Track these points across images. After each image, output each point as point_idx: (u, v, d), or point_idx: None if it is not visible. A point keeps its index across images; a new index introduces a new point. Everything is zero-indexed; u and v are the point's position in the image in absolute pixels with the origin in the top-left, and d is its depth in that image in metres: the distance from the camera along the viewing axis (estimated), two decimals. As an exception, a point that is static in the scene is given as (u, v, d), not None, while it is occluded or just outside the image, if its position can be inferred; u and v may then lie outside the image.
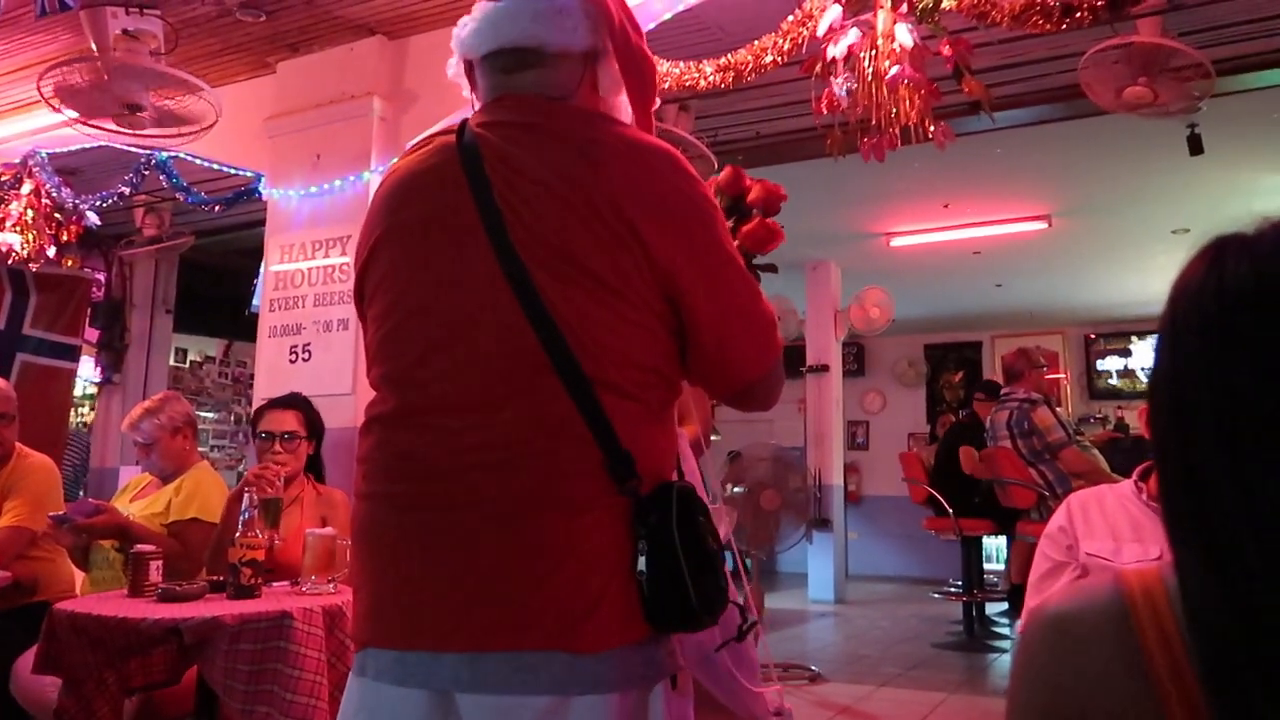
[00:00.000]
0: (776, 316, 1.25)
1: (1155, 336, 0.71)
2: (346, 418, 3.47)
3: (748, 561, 5.46)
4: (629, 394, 1.13)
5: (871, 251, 7.84)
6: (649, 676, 1.11)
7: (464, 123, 1.24)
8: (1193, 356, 0.64)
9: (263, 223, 4.59)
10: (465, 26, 1.28)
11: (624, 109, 1.31)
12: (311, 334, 3.74)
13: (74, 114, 3.23)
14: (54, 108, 3.32)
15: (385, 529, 1.15)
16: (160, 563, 2.30)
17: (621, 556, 1.09)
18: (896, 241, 7.53)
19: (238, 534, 2.26)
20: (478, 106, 1.29)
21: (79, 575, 3.21)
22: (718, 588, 1.12)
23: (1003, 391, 5.77)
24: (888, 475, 10.58)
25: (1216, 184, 5.94)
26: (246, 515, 2.30)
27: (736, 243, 1.69)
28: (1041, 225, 6.97)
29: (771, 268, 1.62)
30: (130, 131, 3.36)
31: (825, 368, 8.36)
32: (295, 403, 3.02)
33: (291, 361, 3.78)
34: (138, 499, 3.21)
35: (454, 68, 1.33)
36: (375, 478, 1.18)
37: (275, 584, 2.41)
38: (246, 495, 2.32)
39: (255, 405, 3.47)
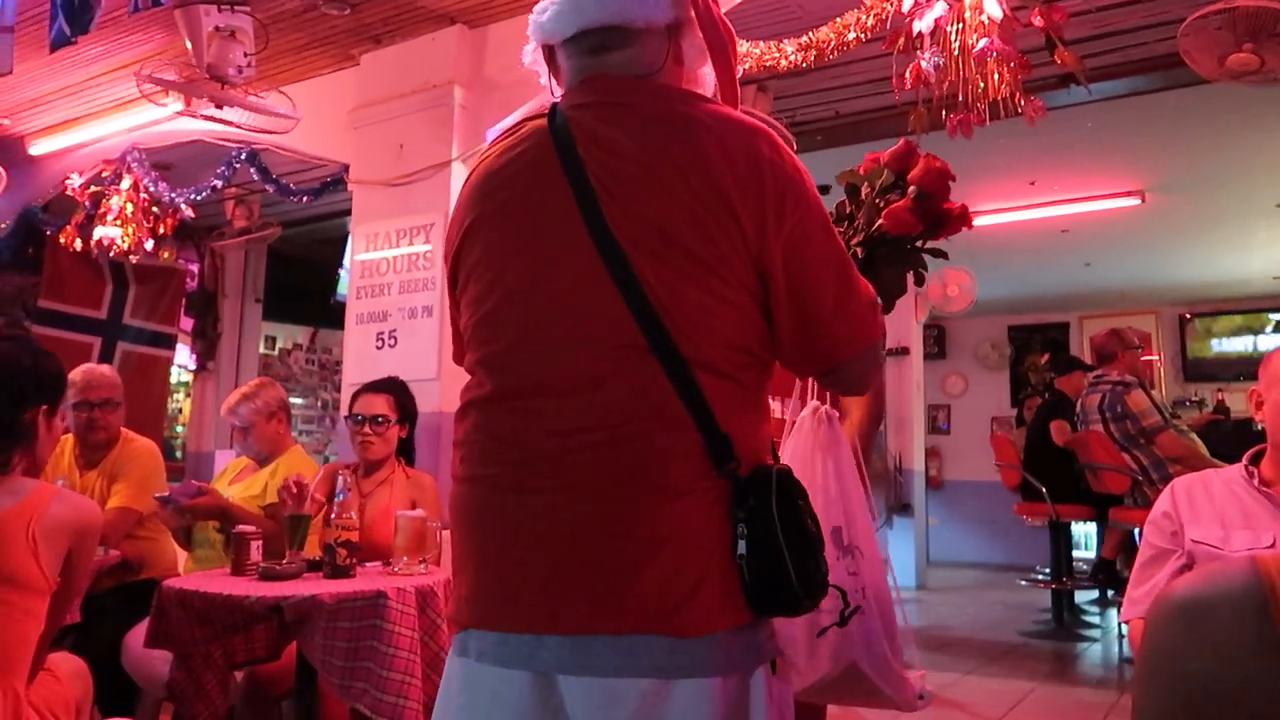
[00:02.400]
0: (877, 300, 1.22)
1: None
2: (432, 403, 3.54)
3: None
4: (726, 374, 1.12)
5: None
6: (750, 661, 1.11)
7: (554, 106, 1.24)
8: None
9: (346, 212, 4.71)
10: (545, 12, 1.27)
11: (708, 79, 1.30)
12: (397, 320, 3.81)
13: (177, 105, 3.35)
14: (156, 102, 3.45)
15: (486, 512, 1.17)
16: (260, 543, 2.38)
17: (721, 540, 1.09)
18: (980, 220, 7.21)
19: (333, 516, 2.32)
20: (558, 92, 1.29)
21: (181, 555, 3.35)
22: (819, 571, 1.11)
23: (1095, 374, 5.58)
24: (970, 459, 10.37)
25: (1323, 155, 5.67)
26: (341, 497, 2.36)
27: (879, 222, 1.66)
28: (1134, 201, 6.72)
29: (940, 253, 1.55)
30: (226, 120, 3.47)
31: (905, 350, 8.21)
32: (388, 387, 3.07)
33: (378, 348, 3.86)
34: (236, 482, 3.32)
35: (530, 55, 1.32)
36: (474, 461, 1.19)
37: (368, 564, 2.48)
38: (341, 478, 2.38)
39: (344, 390, 3.56)
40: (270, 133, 3.65)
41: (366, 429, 2.92)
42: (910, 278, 1.69)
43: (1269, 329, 9.64)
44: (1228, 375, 9.53)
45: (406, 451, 3.10)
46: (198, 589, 2.14)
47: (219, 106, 3.23)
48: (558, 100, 1.26)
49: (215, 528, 3.13)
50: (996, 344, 10.86)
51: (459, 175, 3.76)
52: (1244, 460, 1.89)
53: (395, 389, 3.07)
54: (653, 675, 1.05)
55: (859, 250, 1.61)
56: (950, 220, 1.61)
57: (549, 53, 1.30)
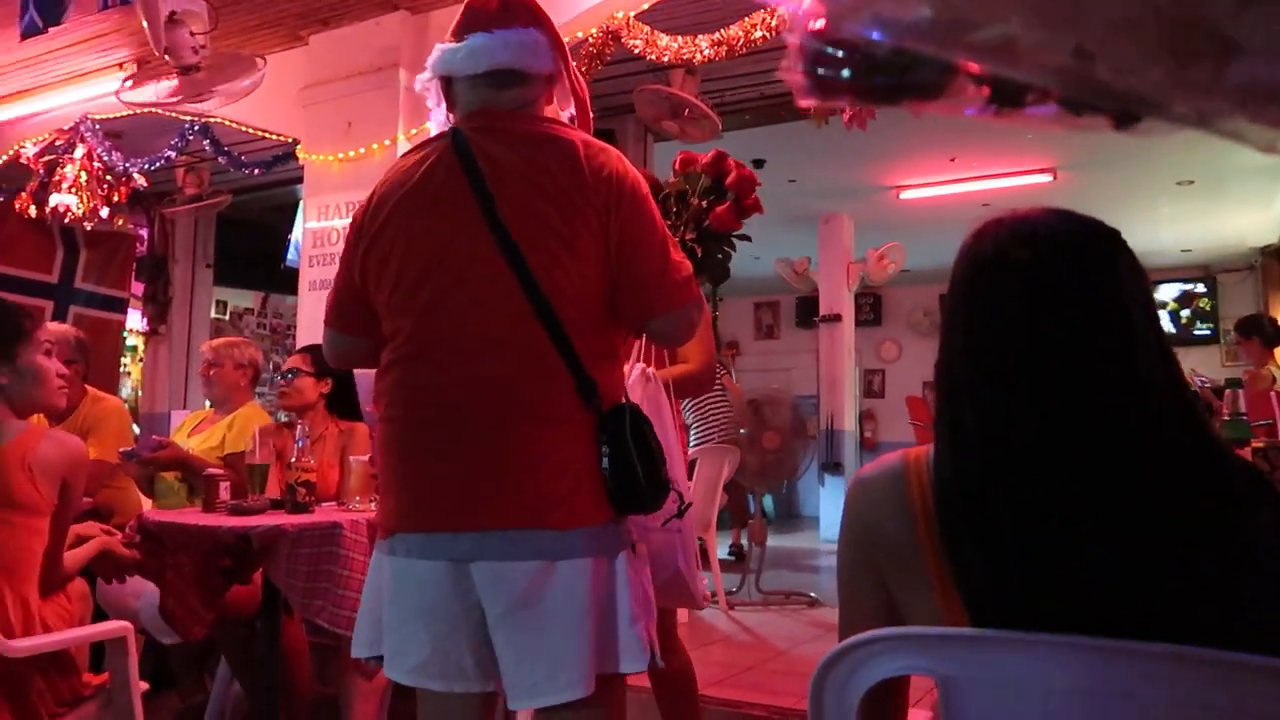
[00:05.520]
0: (692, 274, 1.62)
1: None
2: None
3: (749, 496, 5.83)
4: (589, 333, 1.50)
5: (883, 204, 8.05)
6: (614, 546, 1.50)
7: (455, 128, 1.60)
8: (955, 304, 0.96)
9: (295, 180, 4.92)
10: (458, 51, 1.60)
11: (568, 114, 1.71)
12: (347, 287, 4.07)
13: (153, 101, 3.56)
14: (136, 106, 3.66)
15: (409, 444, 1.52)
16: (229, 484, 2.69)
17: (589, 458, 1.47)
18: (906, 194, 7.74)
19: (293, 460, 2.64)
20: (442, 112, 1.65)
21: (145, 502, 3.62)
22: (661, 480, 1.51)
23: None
24: (903, 422, 10.86)
25: (1216, 137, 6.10)
26: (301, 444, 2.67)
27: (706, 223, 2.14)
28: (1047, 178, 7.15)
29: (745, 237, 2.02)
30: (187, 104, 3.67)
31: (838, 317, 8.62)
32: (309, 348, 3.37)
33: (329, 313, 4.14)
34: (195, 434, 3.60)
35: (422, 83, 1.67)
36: (398, 404, 1.54)
37: (322, 504, 2.79)
38: (300, 427, 2.69)
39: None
40: (229, 94, 3.78)
41: (281, 382, 3.25)
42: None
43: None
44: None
45: (342, 406, 3.38)
46: (176, 521, 2.44)
47: (198, 96, 3.44)
48: (454, 123, 1.62)
49: (176, 477, 3.42)
50: (928, 311, 11.31)
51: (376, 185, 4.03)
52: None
53: (315, 349, 3.35)
54: (540, 558, 1.43)
55: (691, 240, 2.06)
56: (752, 212, 2.11)
57: (446, 83, 1.64)
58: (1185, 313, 10.15)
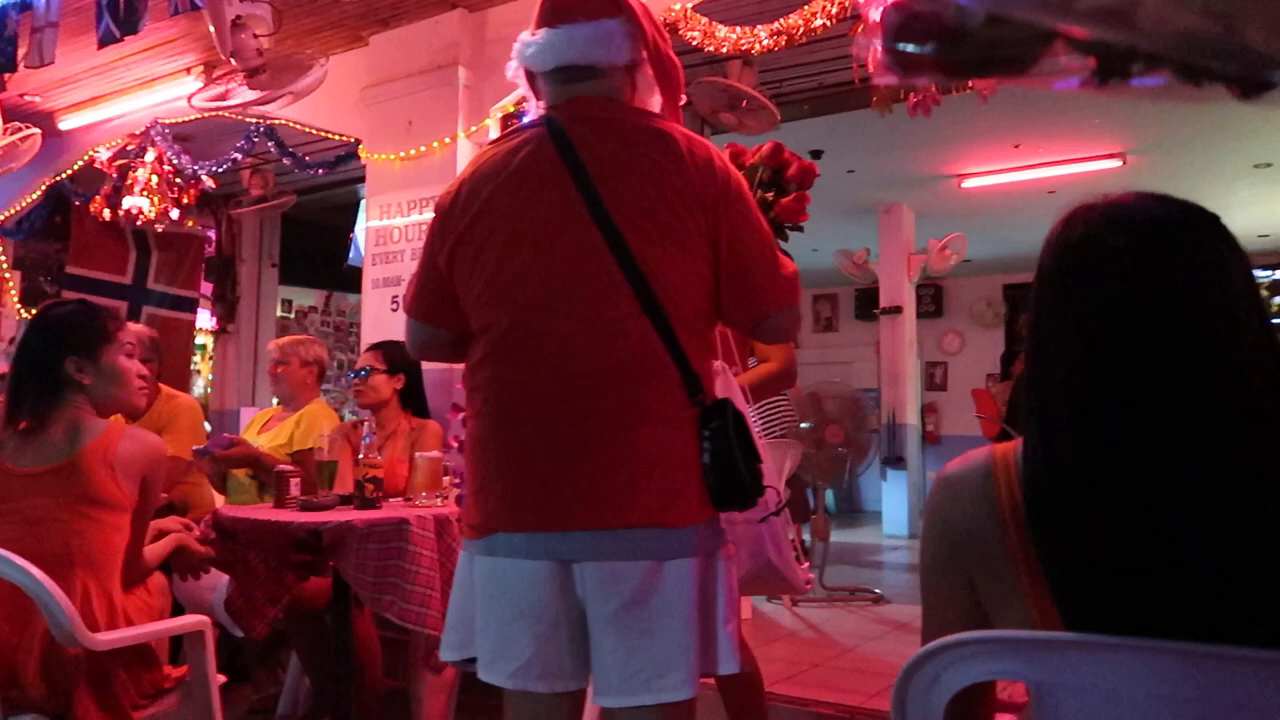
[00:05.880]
0: (797, 271, 1.59)
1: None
2: (443, 359, 3.86)
3: (808, 492, 5.77)
4: (695, 329, 1.48)
5: (944, 193, 7.89)
6: (714, 545, 1.48)
7: (548, 117, 1.55)
8: (1044, 294, 0.93)
9: (356, 180, 4.96)
10: (530, 46, 1.58)
11: (655, 105, 1.64)
12: (410, 285, 4.12)
13: (221, 104, 3.63)
14: (206, 110, 3.75)
15: (510, 440, 1.48)
16: (299, 480, 2.73)
17: (695, 455, 1.45)
18: (969, 183, 7.58)
19: (361, 457, 2.68)
20: (535, 103, 1.62)
21: (218, 498, 3.71)
22: (759, 476, 1.48)
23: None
24: (966, 416, 10.63)
25: (1296, 116, 5.88)
26: (368, 440, 2.71)
27: (772, 213, 2.11)
28: (1116, 164, 6.93)
29: (799, 228, 2.05)
30: (253, 106, 3.74)
31: (899, 309, 8.48)
32: (380, 344, 3.42)
33: (393, 310, 4.19)
34: (264, 431, 3.67)
35: (513, 71, 1.63)
36: (496, 401, 1.50)
37: (391, 499, 2.83)
38: (367, 424, 2.72)
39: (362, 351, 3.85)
40: (290, 94, 3.82)
41: (356, 380, 3.28)
42: None
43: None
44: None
45: (413, 402, 3.42)
46: (248, 516, 2.49)
47: (254, 75, 3.49)
48: (548, 112, 1.57)
49: (248, 474, 3.49)
50: (991, 302, 11.09)
51: (465, 150, 4.05)
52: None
53: (386, 345, 3.41)
54: (651, 558, 1.41)
55: None
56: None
57: (530, 75, 1.62)
58: (1277, 300, 9.79)
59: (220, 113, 3.93)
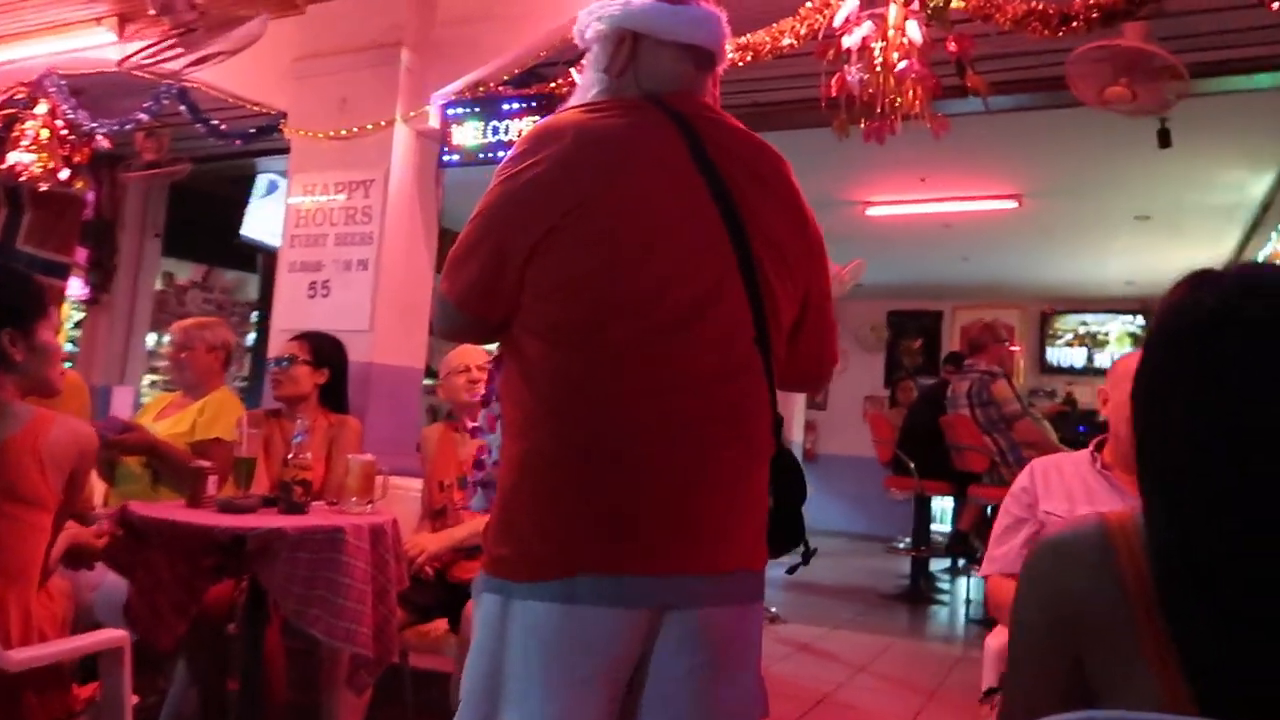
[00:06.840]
0: None
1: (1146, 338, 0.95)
2: (363, 353, 3.67)
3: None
4: (778, 368, 1.39)
5: (847, 218, 8.07)
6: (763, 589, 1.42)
7: (665, 102, 1.35)
8: (1168, 367, 0.90)
9: (260, 153, 4.68)
10: (674, 14, 1.36)
11: None
12: (332, 271, 3.90)
13: (152, 59, 3.33)
14: (136, 66, 3.45)
15: (602, 467, 1.26)
16: (216, 478, 2.51)
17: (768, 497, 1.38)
18: (873, 211, 7.78)
19: (290, 456, 2.47)
20: (606, 81, 1.38)
21: (100, 486, 3.39)
22: (802, 522, 1.45)
23: (966, 362, 6.11)
24: (843, 435, 10.94)
25: (1178, 176, 6.27)
26: (299, 439, 2.51)
27: None
28: (1013, 204, 7.26)
29: None
30: (191, 66, 3.45)
31: (794, 328, 8.60)
32: (306, 335, 3.21)
33: (310, 296, 3.95)
34: (162, 418, 3.38)
35: (595, 30, 1.39)
36: (596, 417, 1.26)
37: (314, 503, 2.63)
38: (299, 421, 2.52)
39: (272, 336, 3.63)
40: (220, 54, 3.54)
41: (275, 369, 3.07)
42: None
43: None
44: (1078, 370, 10.41)
45: (333, 398, 3.23)
46: (164, 516, 2.26)
47: (195, 57, 3.22)
48: (666, 98, 1.36)
49: (141, 462, 3.20)
50: (876, 327, 11.45)
51: (402, 135, 3.86)
52: (1090, 447, 2.26)
53: (313, 336, 3.21)
54: (746, 602, 1.33)
55: None
56: None
57: (634, 40, 1.37)
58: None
59: (143, 69, 3.60)
